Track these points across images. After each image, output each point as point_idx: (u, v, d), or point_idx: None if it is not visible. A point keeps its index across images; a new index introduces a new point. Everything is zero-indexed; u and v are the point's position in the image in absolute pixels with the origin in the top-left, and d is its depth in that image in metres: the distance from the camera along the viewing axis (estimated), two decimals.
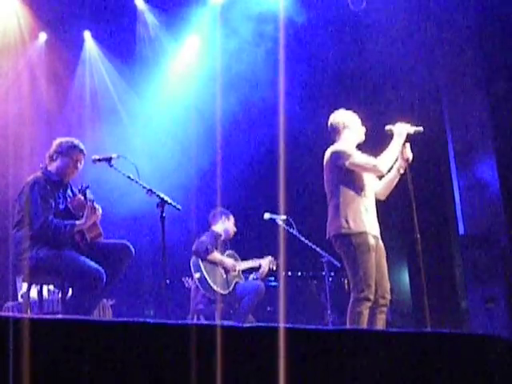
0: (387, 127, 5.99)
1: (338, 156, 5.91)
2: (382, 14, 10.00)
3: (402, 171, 5.99)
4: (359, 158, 5.87)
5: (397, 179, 6.06)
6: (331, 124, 6.14)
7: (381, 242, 5.99)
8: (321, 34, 10.39)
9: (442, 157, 9.99)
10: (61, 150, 6.11)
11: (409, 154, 5.95)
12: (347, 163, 5.83)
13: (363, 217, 5.84)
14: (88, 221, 5.84)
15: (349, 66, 10.74)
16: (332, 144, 6.11)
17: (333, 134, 6.13)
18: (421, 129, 6.03)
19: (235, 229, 8.77)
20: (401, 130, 5.92)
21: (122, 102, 11.34)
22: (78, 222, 5.83)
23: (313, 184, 10.90)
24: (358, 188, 5.89)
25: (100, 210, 6.00)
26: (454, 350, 3.40)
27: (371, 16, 10.13)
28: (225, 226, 8.67)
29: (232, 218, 8.76)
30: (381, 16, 10.02)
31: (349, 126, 6.06)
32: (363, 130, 6.12)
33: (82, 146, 6.18)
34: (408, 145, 5.97)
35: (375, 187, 6.10)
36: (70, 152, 6.09)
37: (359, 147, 6.14)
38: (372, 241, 5.81)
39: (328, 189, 6.04)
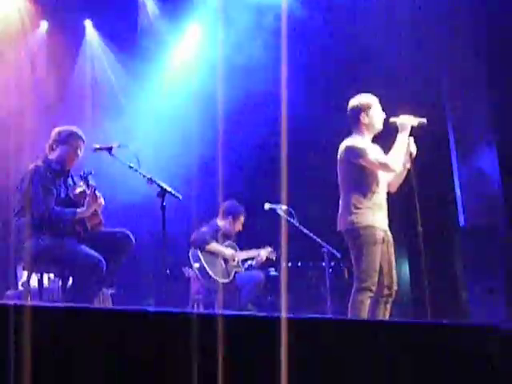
0: (391, 120, 5.99)
1: (351, 152, 5.90)
2: (385, 7, 9.99)
3: (408, 166, 6.01)
4: (373, 155, 5.84)
5: (405, 172, 6.07)
6: (350, 108, 6.09)
7: (390, 235, 6.02)
8: (323, 25, 10.37)
9: (443, 148, 9.97)
10: (60, 138, 6.14)
11: (412, 149, 5.97)
12: (360, 160, 5.84)
13: (373, 212, 5.86)
14: (89, 208, 5.86)
15: (351, 56, 10.72)
16: (349, 133, 6.09)
17: (351, 119, 6.07)
18: (424, 120, 6.01)
19: (241, 228, 8.78)
20: (404, 122, 5.93)
21: (123, 90, 11.33)
22: (79, 210, 5.85)
23: (314, 174, 10.90)
24: (370, 184, 5.89)
25: (102, 200, 6.01)
26: (454, 340, 3.40)
27: (374, 9, 10.11)
28: (227, 225, 8.68)
29: (241, 218, 8.76)
30: (384, 9, 10.00)
31: (367, 112, 5.98)
32: (383, 115, 6.06)
33: (80, 133, 6.20)
34: (412, 139, 5.98)
35: (388, 178, 6.11)
36: (69, 140, 6.11)
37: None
38: (379, 235, 5.84)
39: (340, 182, 6.06)
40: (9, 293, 7.77)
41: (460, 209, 9.63)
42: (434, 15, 9.94)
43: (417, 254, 5.89)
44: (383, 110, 6.10)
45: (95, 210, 5.95)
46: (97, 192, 5.88)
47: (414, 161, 6.05)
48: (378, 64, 10.31)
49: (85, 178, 5.83)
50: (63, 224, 5.79)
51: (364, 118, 5.99)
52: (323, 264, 8.16)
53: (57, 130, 6.23)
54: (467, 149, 9.65)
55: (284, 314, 2.97)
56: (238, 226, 8.78)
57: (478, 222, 9.33)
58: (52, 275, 7.13)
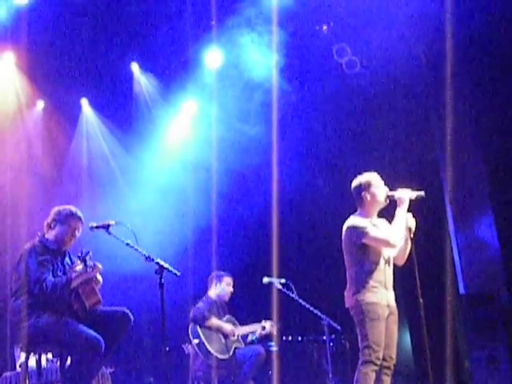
0: (389, 193, 6.03)
1: (352, 232, 5.96)
2: (377, 76, 10.11)
3: (409, 241, 6.04)
4: (373, 233, 5.89)
5: (407, 247, 6.09)
6: (352, 189, 6.16)
7: (396, 310, 6.05)
8: (315, 100, 10.50)
9: (440, 217, 9.98)
10: (59, 218, 6.13)
11: (411, 224, 6.01)
12: (361, 239, 5.89)
13: (375, 290, 5.89)
14: (83, 275, 5.78)
15: (343, 128, 10.81)
16: (355, 211, 6.16)
17: (355, 198, 6.15)
18: (422, 193, 6.04)
19: (231, 289, 8.71)
20: (403, 196, 5.97)
21: (120, 167, 11.41)
22: (73, 275, 5.78)
23: (312, 247, 10.93)
24: (373, 262, 5.94)
25: (100, 278, 5.99)
26: None
27: (366, 80, 10.24)
28: (217, 291, 8.63)
29: (227, 279, 8.68)
30: (377, 79, 10.11)
31: (368, 189, 6.05)
32: (386, 190, 6.09)
33: (79, 214, 6.19)
34: (410, 214, 6.01)
35: (393, 253, 6.13)
36: (67, 220, 6.10)
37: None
38: (382, 311, 5.88)
39: (346, 260, 6.11)
40: (6, 374, 7.66)
41: (459, 276, 9.59)
42: (429, 82, 10.05)
43: (418, 325, 5.86)
44: (384, 183, 6.14)
45: (93, 289, 5.91)
46: (97, 266, 5.84)
47: (414, 234, 6.06)
48: (375, 137, 10.40)
49: (83, 259, 5.78)
50: (59, 292, 5.71)
51: (366, 196, 6.06)
52: (324, 337, 8.09)
53: (56, 209, 6.21)
54: (464, 216, 9.66)
55: None
56: (229, 288, 8.69)
57: (478, 290, 9.29)
58: (50, 355, 7.06)
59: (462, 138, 9.65)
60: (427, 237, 9.73)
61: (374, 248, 5.93)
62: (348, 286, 6.05)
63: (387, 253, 6.03)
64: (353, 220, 6.06)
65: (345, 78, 10.52)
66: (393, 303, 6.02)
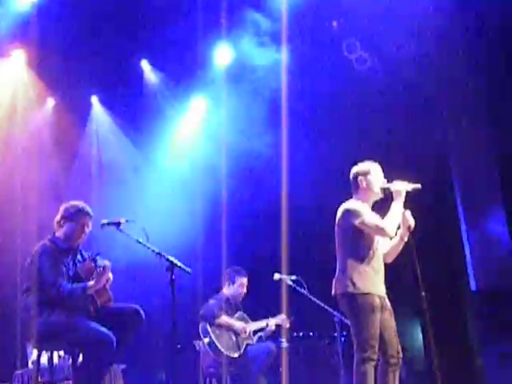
0: (384, 185, 5.90)
1: (349, 214, 5.80)
2: (388, 72, 10.09)
3: (405, 239, 5.90)
4: (370, 218, 5.74)
5: (401, 245, 5.96)
6: (351, 174, 6.04)
7: (388, 301, 5.87)
8: (325, 97, 10.47)
9: (451, 213, 9.94)
10: (67, 214, 6.12)
11: (410, 222, 5.84)
12: (357, 222, 5.72)
13: (370, 277, 5.74)
14: (99, 282, 5.79)
15: (353, 125, 10.77)
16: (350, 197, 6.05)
17: (352, 184, 6.02)
18: (419, 186, 5.87)
19: (245, 290, 8.65)
20: (398, 188, 5.83)
21: (130, 164, 11.43)
22: (89, 284, 5.78)
23: (323, 243, 10.91)
24: (367, 247, 5.78)
25: (111, 275, 5.98)
26: None
27: (376, 74, 10.21)
28: (230, 290, 8.60)
29: (240, 280, 8.63)
30: (387, 75, 10.09)
31: (365, 176, 5.92)
32: (384, 182, 5.97)
33: (87, 209, 6.18)
34: (409, 212, 5.86)
35: (384, 248, 6.01)
36: (76, 216, 6.10)
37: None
38: (377, 302, 5.70)
39: (338, 245, 5.94)
40: (18, 372, 7.67)
41: (471, 273, 9.56)
42: (441, 78, 10.01)
43: (428, 320, 5.75)
44: (388, 175, 6.03)
45: (104, 287, 5.90)
46: (106, 267, 5.84)
47: (422, 225, 5.95)
48: (386, 131, 10.35)
49: (93, 259, 5.81)
50: (75, 299, 5.73)
51: (362, 182, 5.93)
52: (335, 334, 8.07)
53: (64, 206, 6.20)
54: (475, 212, 9.63)
55: None
56: (242, 289, 8.64)
57: (490, 286, 9.26)
58: (62, 353, 7.07)
59: (473, 135, 9.63)
60: (438, 233, 9.71)
61: (368, 234, 5.76)
62: (339, 272, 5.84)
63: (381, 242, 5.90)
64: (348, 203, 5.91)
65: (355, 74, 10.50)
66: (385, 295, 5.85)
